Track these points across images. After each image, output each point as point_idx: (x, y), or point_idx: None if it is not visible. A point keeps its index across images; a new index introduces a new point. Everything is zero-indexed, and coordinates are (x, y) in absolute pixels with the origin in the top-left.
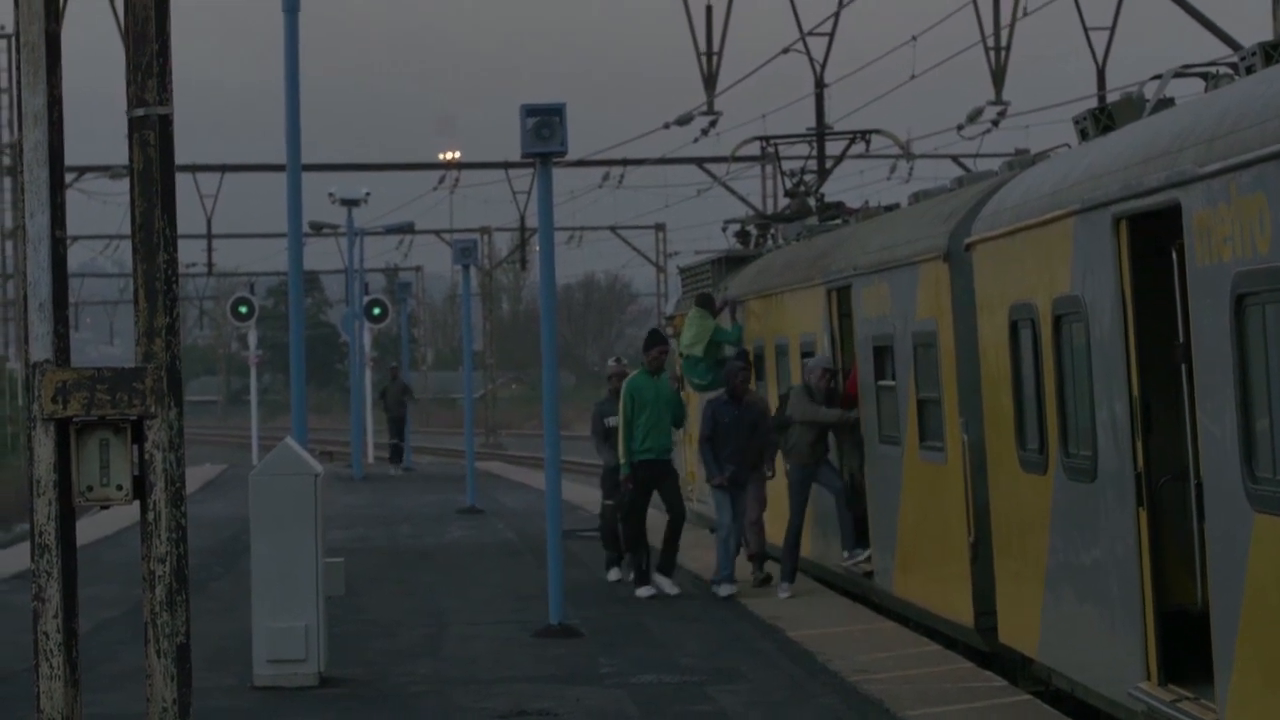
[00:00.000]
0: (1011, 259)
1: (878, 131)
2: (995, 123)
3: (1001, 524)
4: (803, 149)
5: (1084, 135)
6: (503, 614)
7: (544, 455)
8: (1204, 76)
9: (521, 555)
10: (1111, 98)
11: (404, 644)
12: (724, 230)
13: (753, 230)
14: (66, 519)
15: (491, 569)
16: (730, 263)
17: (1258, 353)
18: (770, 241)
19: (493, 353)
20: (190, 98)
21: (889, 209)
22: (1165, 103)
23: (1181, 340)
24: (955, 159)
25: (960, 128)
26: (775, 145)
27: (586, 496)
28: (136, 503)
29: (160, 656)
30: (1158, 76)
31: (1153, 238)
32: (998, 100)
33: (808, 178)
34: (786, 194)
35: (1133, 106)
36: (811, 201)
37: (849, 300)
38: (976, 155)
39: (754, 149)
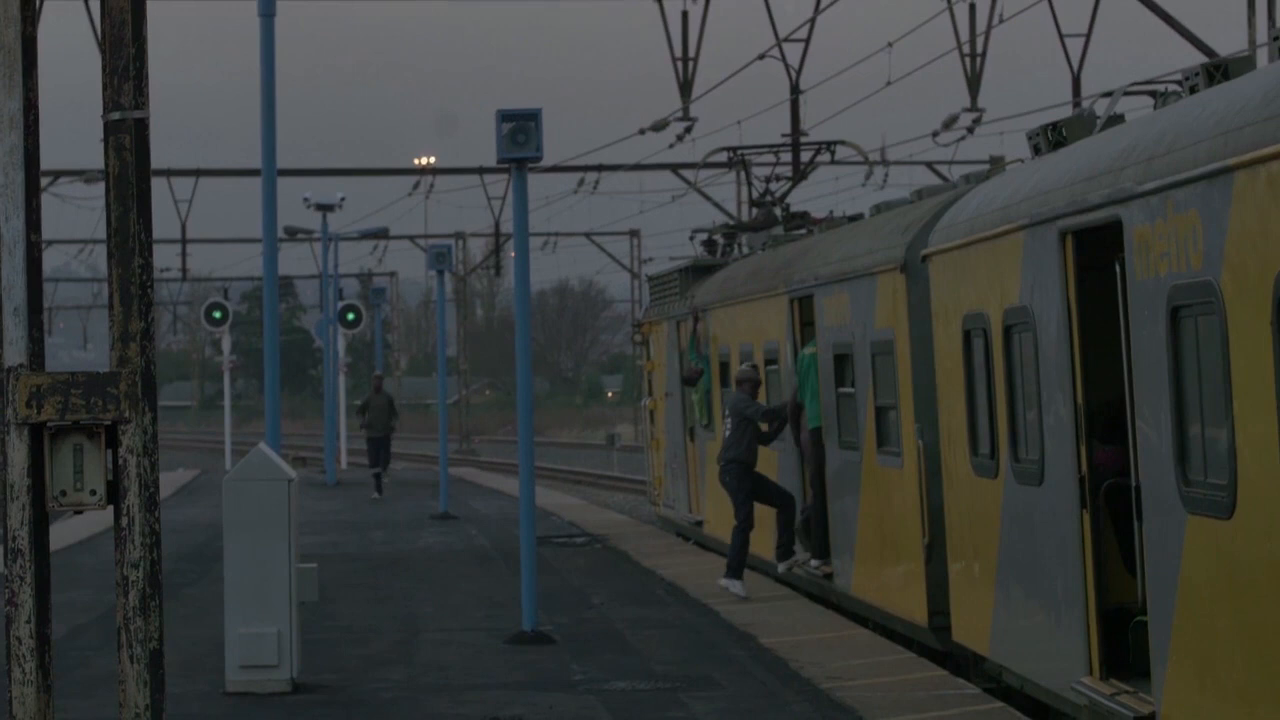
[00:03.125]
0: (965, 271)
1: (842, 143)
2: (970, 129)
3: (955, 526)
4: (770, 159)
5: (1037, 150)
6: (476, 620)
7: (518, 461)
8: (1152, 94)
9: (495, 561)
10: (1087, 104)
11: (377, 650)
12: (691, 239)
13: (720, 239)
14: (40, 524)
15: (465, 575)
16: (697, 271)
17: (1190, 362)
18: (737, 250)
19: (466, 358)
20: (165, 102)
21: (852, 219)
22: (1116, 119)
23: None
24: (930, 165)
25: (935, 134)
26: (743, 156)
27: (560, 502)
28: (110, 508)
29: (133, 662)
30: (1109, 94)
31: (1099, 252)
32: (973, 107)
33: (774, 187)
34: (753, 203)
35: (1083, 123)
36: (778, 211)
37: (811, 309)
38: (951, 162)
39: (726, 157)
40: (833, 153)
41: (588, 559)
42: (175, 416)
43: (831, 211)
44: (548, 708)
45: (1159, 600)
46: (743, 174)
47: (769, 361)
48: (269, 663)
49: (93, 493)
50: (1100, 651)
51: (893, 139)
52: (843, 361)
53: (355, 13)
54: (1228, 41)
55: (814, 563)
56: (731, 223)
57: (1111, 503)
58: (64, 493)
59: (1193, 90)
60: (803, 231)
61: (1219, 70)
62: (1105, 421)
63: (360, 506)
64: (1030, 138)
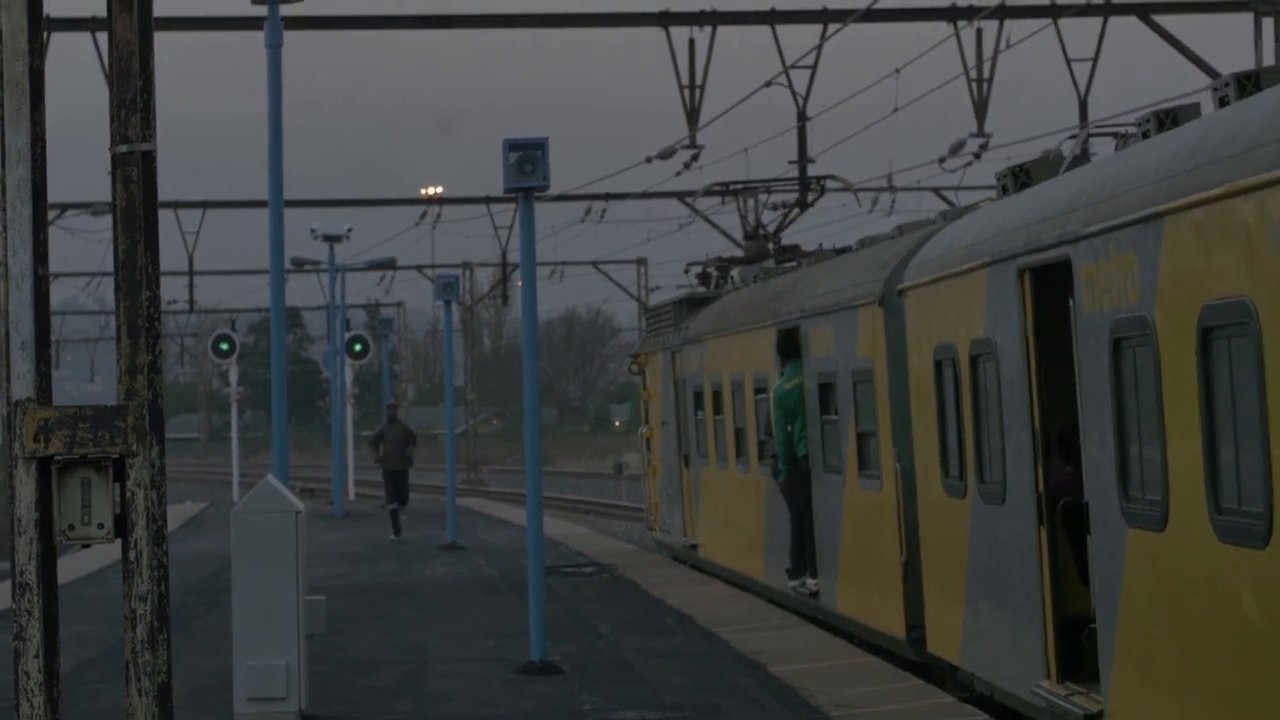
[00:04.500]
0: (936, 304)
1: (831, 177)
2: (977, 155)
3: (929, 544)
4: (777, 194)
5: (1004, 190)
6: (484, 651)
7: (526, 491)
8: (1115, 135)
9: (503, 592)
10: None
11: (385, 681)
12: (686, 272)
13: (713, 272)
14: (48, 558)
15: (473, 606)
16: (691, 304)
17: (1130, 389)
18: (730, 283)
19: (474, 388)
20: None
21: (840, 252)
22: (1081, 159)
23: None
24: (937, 191)
25: (943, 160)
26: (736, 190)
27: (568, 532)
28: (118, 541)
29: (142, 695)
30: (1074, 135)
31: (1055, 288)
32: (980, 132)
33: (766, 219)
34: (746, 237)
35: (1049, 165)
36: (771, 245)
37: (798, 340)
38: (958, 188)
39: (721, 191)
40: (822, 187)
41: (596, 588)
42: (183, 449)
43: (821, 244)
44: None
45: (1105, 607)
46: (746, 203)
47: (758, 390)
48: (277, 695)
49: (100, 526)
50: (1057, 657)
51: (900, 165)
52: (826, 390)
53: (359, 44)
54: (1234, 64)
55: (810, 582)
56: (725, 256)
57: (1069, 520)
58: (71, 526)
59: (1145, 135)
60: (793, 264)
61: (1168, 117)
62: (1064, 444)
63: (368, 538)
64: (999, 178)
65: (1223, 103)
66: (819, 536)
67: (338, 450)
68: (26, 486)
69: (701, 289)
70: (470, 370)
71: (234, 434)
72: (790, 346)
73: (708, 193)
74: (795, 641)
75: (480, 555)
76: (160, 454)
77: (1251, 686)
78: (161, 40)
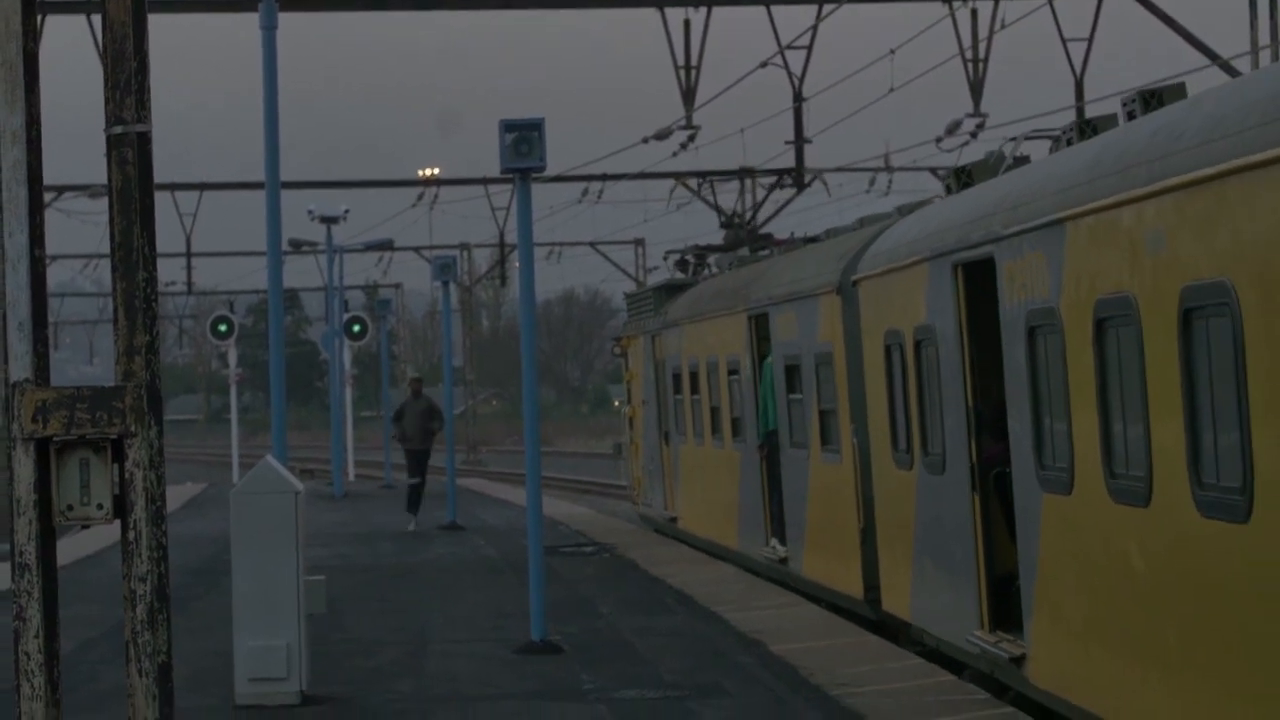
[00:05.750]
0: (885, 294)
1: (792, 170)
2: (974, 135)
3: (883, 512)
4: (763, 183)
5: (949, 190)
6: (484, 631)
7: (525, 471)
8: (1054, 139)
9: (503, 572)
10: (1090, 109)
11: (386, 661)
12: (665, 260)
13: (691, 259)
14: (47, 539)
15: (473, 586)
16: (670, 290)
17: (1042, 370)
18: (707, 270)
19: (473, 369)
20: (170, 117)
21: (810, 240)
22: (1021, 161)
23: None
24: (933, 171)
25: (939, 140)
26: (711, 181)
27: (567, 512)
28: (117, 522)
29: (142, 676)
30: (1014, 138)
31: (986, 281)
32: (976, 112)
33: (740, 208)
34: (721, 225)
35: (990, 167)
36: (744, 233)
37: (767, 325)
38: (955, 168)
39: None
40: (791, 178)
41: (595, 568)
42: (182, 430)
43: (793, 233)
44: (558, 717)
45: (1026, 564)
46: (746, 181)
47: (731, 372)
48: (278, 675)
49: (99, 507)
50: (989, 609)
51: (897, 145)
52: (792, 372)
53: (356, 24)
54: (1230, 43)
55: (779, 549)
56: (703, 245)
57: (1001, 488)
58: (71, 507)
59: (1069, 143)
60: (765, 252)
61: (1089, 126)
62: (996, 420)
63: (368, 518)
64: (944, 178)
65: (1131, 117)
66: (787, 507)
67: (336, 431)
68: (25, 467)
69: (680, 275)
70: (469, 351)
71: (233, 415)
72: None
73: (707, 174)
74: (796, 620)
75: (480, 535)
76: (159, 434)
77: (1141, 629)
78: (156, 22)
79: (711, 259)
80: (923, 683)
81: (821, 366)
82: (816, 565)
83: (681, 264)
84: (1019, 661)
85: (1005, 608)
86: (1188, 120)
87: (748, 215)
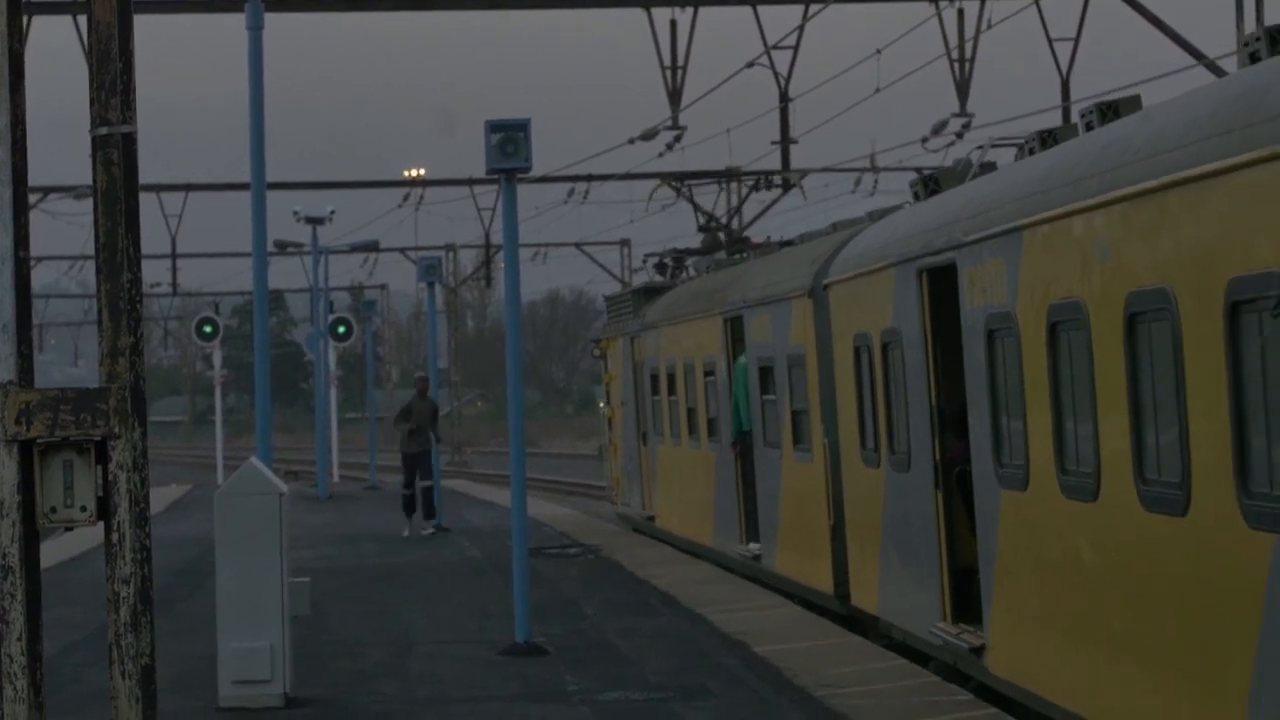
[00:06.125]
0: (854, 298)
1: (779, 172)
2: (960, 134)
3: (852, 509)
4: (738, 187)
5: (916, 196)
6: (469, 633)
7: (510, 472)
8: (1019, 147)
9: (487, 573)
10: (1076, 109)
11: (370, 663)
12: (644, 263)
13: (669, 263)
14: (30, 541)
15: (457, 587)
16: (648, 293)
17: (1000, 372)
18: (685, 273)
19: (458, 370)
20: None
21: (786, 244)
22: (988, 167)
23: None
24: (919, 171)
25: (925, 140)
26: (689, 186)
27: (552, 513)
28: (101, 524)
29: (125, 678)
30: (981, 146)
31: (950, 286)
32: (962, 112)
33: (719, 213)
34: (699, 229)
35: (956, 174)
36: (722, 236)
37: (742, 328)
38: (941, 168)
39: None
40: (770, 182)
41: (580, 569)
42: (167, 432)
43: (769, 237)
44: (542, 719)
45: (985, 557)
46: (734, 183)
47: (708, 373)
48: (262, 677)
49: (83, 509)
50: (951, 601)
51: (883, 145)
52: (766, 373)
53: (342, 25)
54: (1216, 42)
55: (753, 546)
56: (680, 248)
57: (963, 485)
58: (54, 509)
59: (1031, 152)
60: (742, 256)
61: (1050, 136)
62: (959, 420)
63: (352, 520)
64: (911, 185)
65: (1089, 128)
66: (760, 505)
67: (321, 432)
68: (8, 469)
69: (659, 278)
70: (454, 352)
71: (218, 417)
72: None
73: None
74: (779, 622)
75: (464, 537)
76: (142, 436)
77: (1090, 618)
78: (141, 22)
79: (689, 262)
80: (907, 683)
81: (794, 368)
82: (789, 561)
83: (660, 267)
84: (979, 652)
85: (967, 601)
86: (1136, 134)
87: (726, 218)
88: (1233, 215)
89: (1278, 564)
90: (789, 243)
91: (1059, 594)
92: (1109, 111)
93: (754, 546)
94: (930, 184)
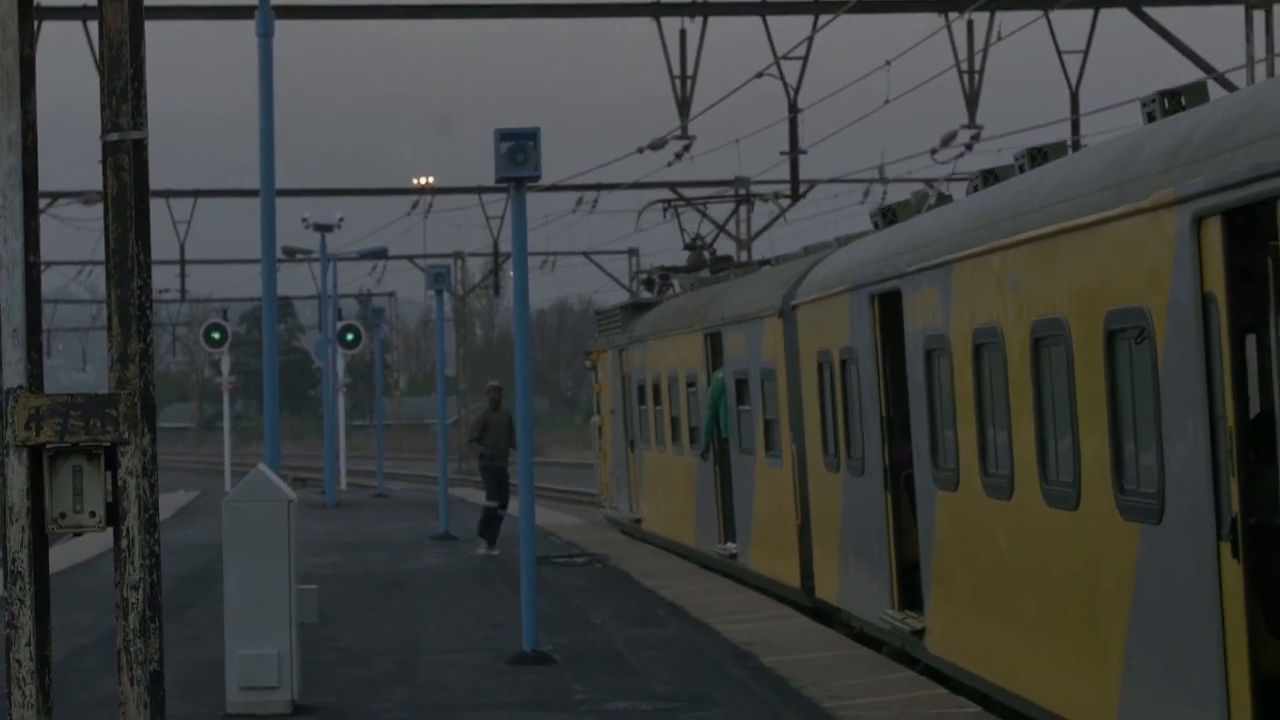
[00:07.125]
0: (817, 318)
1: (760, 197)
2: (969, 146)
3: (816, 510)
4: (715, 205)
5: (876, 226)
6: (476, 641)
7: (517, 481)
8: (970, 184)
9: (495, 582)
10: (1086, 121)
11: (377, 671)
12: (633, 279)
13: (657, 279)
14: (40, 546)
15: (465, 596)
16: (636, 308)
17: (936, 386)
18: (672, 289)
19: (466, 378)
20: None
21: (764, 263)
22: (945, 199)
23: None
24: (928, 183)
25: (934, 152)
26: (675, 206)
27: (560, 522)
28: (110, 529)
29: (134, 684)
30: (932, 183)
31: (898, 310)
32: (971, 124)
33: (705, 231)
34: (685, 247)
35: (911, 208)
36: (707, 255)
37: (720, 343)
38: (950, 179)
39: (663, 208)
40: (750, 202)
41: (588, 578)
42: (175, 438)
43: (749, 256)
44: None
45: (925, 551)
46: (743, 203)
47: (690, 385)
48: (269, 684)
49: (92, 514)
50: (899, 591)
51: (892, 156)
52: (742, 386)
53: (352, 33)
54: (1226, 56)
55: (730, 545)
56: (667, 266)
57: (910, 487)
58: (63, 515)
59: (975, 189)
60: (725, 274)
61: (991, 174)
62: (907, 429)
63: (360, 527)
64: (871, 215)
65: (1021, 170)
66: (736, 507)
67: (329, 439)
68: (18, 474)
69: (647, 294)
70: (462, 360)
71: (226, 423)
72: None
73: (692, 188)
74: (787, 632)
75: (472, 545)
76: (152, 442)
77: (1006, 601)
78: (152, 29)
79: (675, 280)
80: (915, 695)
81: (766, 381)
82: (762, 559)
83: (648, 283)
84: (920, 634)
85: (913, 590)
86: (1045, 183)
87: (732, 231)
88: (1109, 258)
89: (1144, 548)
90: (766, 262)
91: (982, 581)
92: (1038, 155)
93: (731, 546)
94: (889, 215)
